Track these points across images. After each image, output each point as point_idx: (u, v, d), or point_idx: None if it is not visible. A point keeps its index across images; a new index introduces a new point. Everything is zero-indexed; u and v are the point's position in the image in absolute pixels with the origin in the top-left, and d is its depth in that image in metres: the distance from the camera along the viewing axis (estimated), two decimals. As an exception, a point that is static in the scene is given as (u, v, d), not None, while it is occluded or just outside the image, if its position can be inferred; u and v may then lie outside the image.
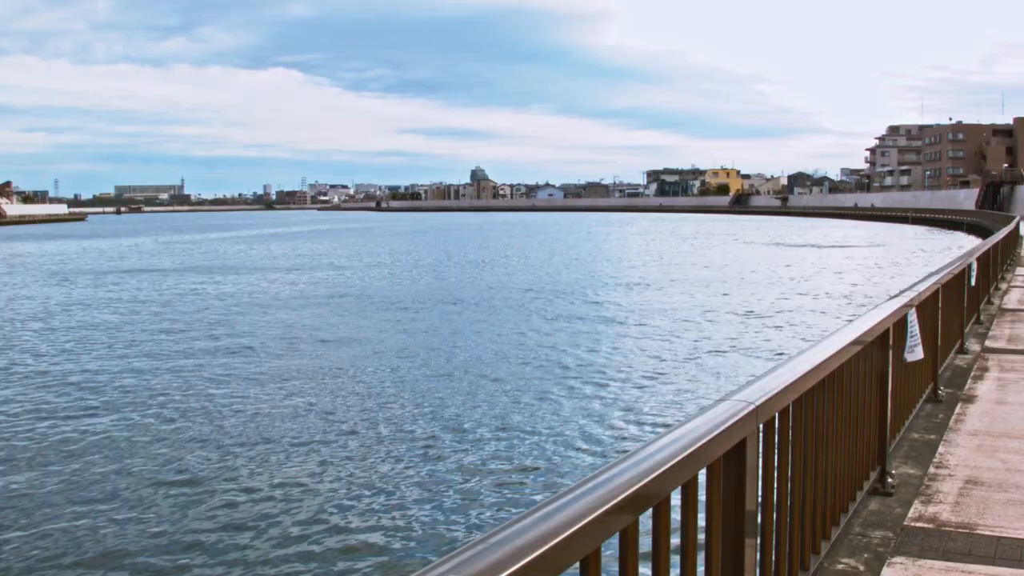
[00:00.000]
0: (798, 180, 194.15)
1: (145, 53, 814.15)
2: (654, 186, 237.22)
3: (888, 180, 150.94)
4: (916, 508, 4.51)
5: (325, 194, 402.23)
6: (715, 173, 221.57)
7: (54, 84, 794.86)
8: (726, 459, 2.32)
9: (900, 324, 5.18)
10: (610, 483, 1.67)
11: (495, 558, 1.30)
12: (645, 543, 1.84)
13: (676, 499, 2.01)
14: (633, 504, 1.70)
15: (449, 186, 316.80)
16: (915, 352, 5.43)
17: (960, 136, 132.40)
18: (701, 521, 2.17)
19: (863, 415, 4.39)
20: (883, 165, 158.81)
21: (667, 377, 16.02)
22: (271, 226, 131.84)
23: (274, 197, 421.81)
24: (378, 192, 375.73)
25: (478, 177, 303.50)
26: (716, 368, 16.86)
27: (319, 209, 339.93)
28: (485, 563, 1.28)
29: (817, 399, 3.41)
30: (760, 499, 2.73)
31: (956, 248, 41.87)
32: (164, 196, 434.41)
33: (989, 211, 69.07)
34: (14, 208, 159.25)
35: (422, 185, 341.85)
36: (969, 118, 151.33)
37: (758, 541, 2.67)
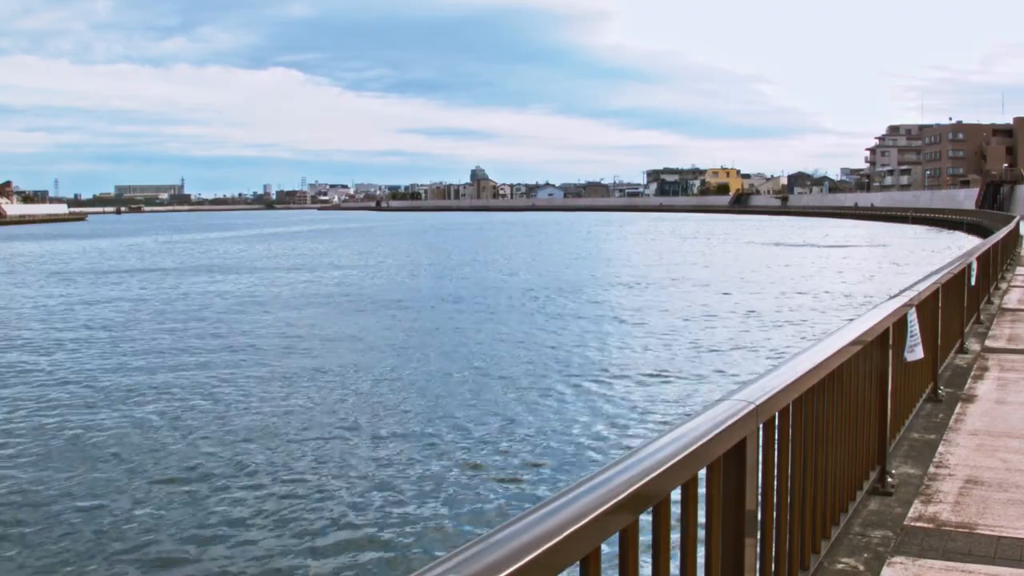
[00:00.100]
0: (798, 180, 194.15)
1: (145, 53, 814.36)
2: (654, 186, 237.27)
3: (888, 180, 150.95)
4: (916, 508, 4.51)
5: (325, 194, 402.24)
6: (715, 173, 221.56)
7: (54, 84, 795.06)
8: (726, 458, 2.31)
9: (900, 324, 5.18)
10: (610, 482, 1.67)
11: (495, 558, 1.30)
12: (645, 542, 1.83)
13: (676, 498, 2.01)
14: (633, 503, 1.70)
15: (449, 186, 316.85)
16: (915, 352, 5.43)
17: (960, 136, 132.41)
18: (701, 520, 2.17)
19: (863, 415, 4.39)
20: (883, 165, 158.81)
21: (667, 376, 16.01)
22: (271, 226, 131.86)
23: (274, 197, 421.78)
24: (378, 192, 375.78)
25: (478, 177, 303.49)
26: (716, 367, 16.86)
27: (319, 209, 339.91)
28: (485, 563, 1.28)
29: (817, 399, 3.41)
30: (760, 498, 2.73)
31: (956, 248, 41.86)
32: (164, 196, 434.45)
33: (989, 211, 69.07)
34: (14, 208, 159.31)
35: (422, 185, 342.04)
36: (969, 118, 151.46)
37: (758, 540, 2.66)
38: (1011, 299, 14.25)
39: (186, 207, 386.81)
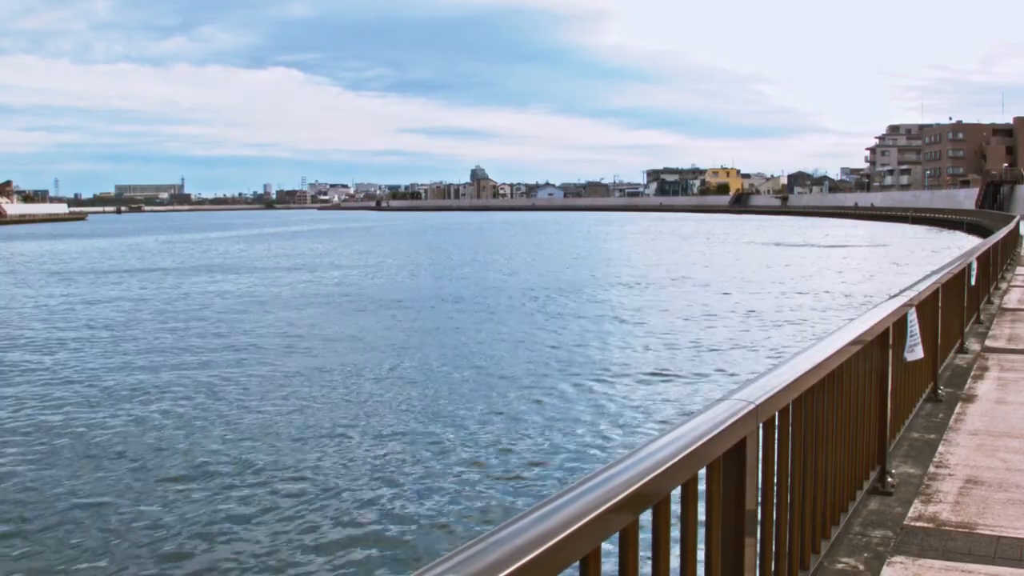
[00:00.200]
0: (798, 179, 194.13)
1: (145, 53, 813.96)
2: (654, 185, 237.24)
3: (888, 179, 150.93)
4: (916, 507, 4.51)
5: (325, 193, 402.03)
6: (715, 172, 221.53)
7: (54, 84, 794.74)
8: (726, 458, 2.31)
9: (900, 323, 5.18)
10: (610, 482, 1.67)
11: (494, 557, 1.30)
12: (645, 542, 1.83)
13: (676, 498, 2.01)
14: (633, 503, 1.70)
15: (449, 185, 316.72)
16: (915, 351, 5.43)
17: (960, 136, 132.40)
18: (701, 520, 2.17)
19: (863, 414, 4.39)
20: (883, 165, 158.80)
21: (667, 375, 16.01)
22: (271, 225, 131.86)
23: (274, 196, 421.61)
24: (378, 191, 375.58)
25: (478, 176, 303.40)
26: (716, 366, 16.85)
27: (319, 208, 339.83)
28: (484, 563, 1.28)
29: (817, 398, 3.41)
30: (760, 498, 2.73)
31: (956, 248, 41.85)
32: (164, 195, 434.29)
33: (989, 211, 69.08)
34: (14, 207, 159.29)
35: (422, 185, 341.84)
36: (969, 118, 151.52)
37: (758, 540, 2.67)
38: (1011, 299, 14.26)
39: (186, 207, 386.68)
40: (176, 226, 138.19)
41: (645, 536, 1.83)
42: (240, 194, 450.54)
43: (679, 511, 2.09)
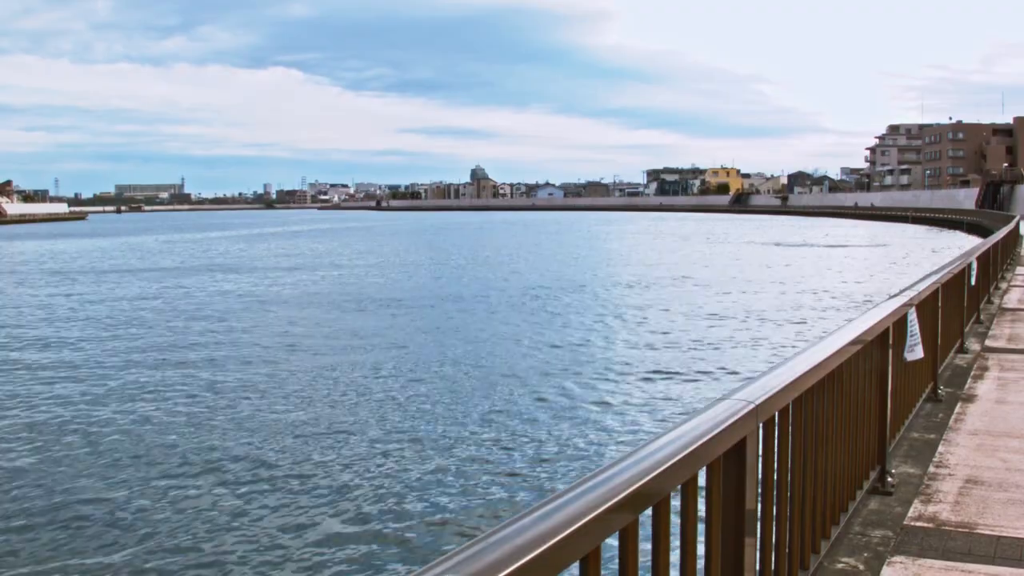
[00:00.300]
0: (798, 179, 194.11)
1: (145, 53, 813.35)
2: (654, 185, 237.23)
3: (888, 179, 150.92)
4: (916, 507, 4.51)
5: (325, 193, 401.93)
6: (715, 172, 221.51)
7: (54, 84, 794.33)
8: (726, 458, 2.32)
9: (900, 323, 5.18)
10: (610, 482, 1.67)
11: (494, 557, 1.30)
12: (645, 542, 1.84)
13: (676, 498, 2.01)
14: (633, 503, 1.70)
15: (449, 185, 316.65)
16: (915, 351, 5.43)
17: (960, 136, 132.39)
18: (701, 519, 2.17)
19: (863, 414, 4.39)
20: (883, 164, 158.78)
21: (667, 375, 16.02)
22: (271, 225, 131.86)
23: (274, 196, 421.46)
24: (378, 191, 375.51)
25: (478, 176, 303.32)
26: (716, 366, 16.86)
27: (319, 208, 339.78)
28: (484, 562, 1.28)
29: (817, 398, 3.41)
30: (760, 498, 2.73)
31: (956, 247, 41.85)
32: (164, 195, 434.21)
33: (989, 210, 69.09)
34: (14, 207, 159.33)
35: (422, 184, 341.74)
36: (969, 118, 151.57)
37: (758, 540, 2.67)
38: (1011, 299, 14.26)
39: (186, 206, 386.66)
40: (176, 226, 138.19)
41: (645, 535, 1.84)
42: (240, 194, 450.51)
43: (679, 511, 2.09)
